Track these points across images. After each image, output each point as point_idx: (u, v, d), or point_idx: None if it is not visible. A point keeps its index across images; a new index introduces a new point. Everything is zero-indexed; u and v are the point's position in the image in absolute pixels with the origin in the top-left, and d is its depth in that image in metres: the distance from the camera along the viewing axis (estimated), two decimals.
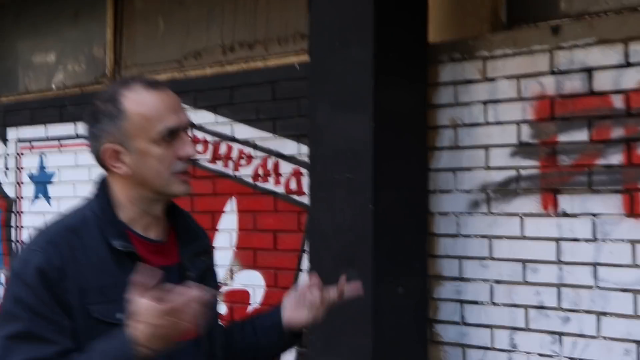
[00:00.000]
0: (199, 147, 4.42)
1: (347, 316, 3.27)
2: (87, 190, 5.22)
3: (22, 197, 5.40)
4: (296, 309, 1.99)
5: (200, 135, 4.42)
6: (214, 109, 4.39)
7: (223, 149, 4.33)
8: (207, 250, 1.96)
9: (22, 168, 5.42)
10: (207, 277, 1.91)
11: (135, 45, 5.20)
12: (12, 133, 5.49)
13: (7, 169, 5.52)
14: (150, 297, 1.59)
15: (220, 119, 4.35)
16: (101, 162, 1.81)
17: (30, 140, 5.36)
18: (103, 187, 1.83)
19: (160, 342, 1.62)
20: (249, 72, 4.33)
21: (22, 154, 5.43)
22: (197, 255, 1.89)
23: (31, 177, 5.35)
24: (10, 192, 5.48)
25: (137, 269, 1.67)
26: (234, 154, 4.28)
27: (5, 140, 5.54)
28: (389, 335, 3.29)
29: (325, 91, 3.38)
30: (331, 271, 3.32)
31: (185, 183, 1.80)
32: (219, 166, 4.34)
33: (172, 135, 1.76)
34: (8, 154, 5.52)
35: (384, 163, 3.27)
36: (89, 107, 1.80)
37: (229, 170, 4.30)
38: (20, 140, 5.44)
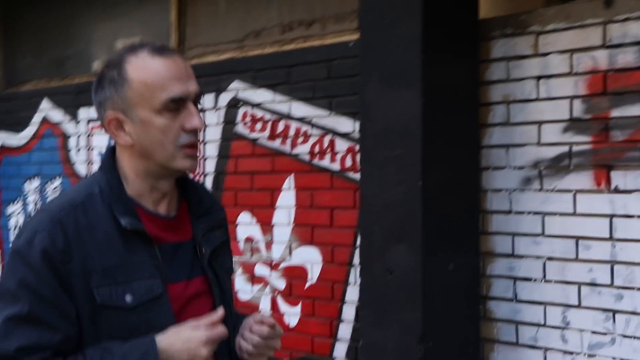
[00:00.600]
0: (258, 126, 4.51)
1: (398, 291, 3.31)
2: None
3: None
4: (245, 338, 1.82)
5: (259, 113, 4.51)
6: (272, 87, 4.46)
7: (281, 127, 4.41)
8: (222, 225, 1.88)
9: (92, 147, 5.63)
10: (222, 252, 1.85)
11: (198, 26, 5.31)
12: (83, 113, 5.70)
13: (78, 148, 5.75)
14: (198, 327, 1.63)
15: (279, 97, 4.42)
16: (106, 131, 1.72)
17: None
18: (111, 159, 1.74)
19: None
20: (306, 50, 4.38)
21: (92, 133, 5.64)
22: (211, 230, 1.82)
23: (100, 155, 5.56)
24: (81, 170, 5.71)
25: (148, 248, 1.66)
26: (291, 132, 4.35)
27: (77, 120, 5.76)
28: (439, 311, 3.32)
29: (374, 68, 3.41)
30: (382, 246, 3.37)
31: (190, 157, 1.70)
32: (277, 144, 4.43)
33: (177, 105, 1.67)
34: (80, 134, 5.74)
35: (433, 140, 3.29)
36: (97, 74, 1.74)
37: (287, 148, 4.37)
38: (90, 120, 5.65)
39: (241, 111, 4.61)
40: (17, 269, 1.63)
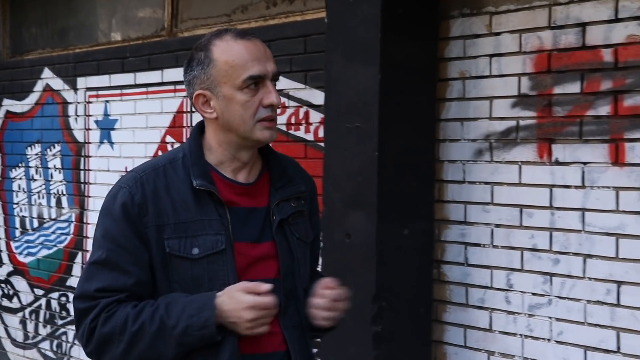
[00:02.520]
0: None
1: (355, 255, 3.60)
2: (145, 136, 5.67)
3: (89, 142, 5.93)
4: (313, 304, 1.98)
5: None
6: None
7: (301, 114, 4.68)
8: (300, 197, 2.03)
9: (89, 115, 5.94)
10: (298, 221, 2.01)
11: (191, 0, 5.57)
12: (82, 82, 6.01)
13: (77, 115, 6.06)
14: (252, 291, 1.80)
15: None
16: (194, 106, 1.95)
17: (96, 89, 5.87)
18: (198, 130, 1.97)
19: (234, 327, 1.81)
20: (286, 25, 4.64)
21: (89, 101, 5.95)
22: (287, 200, 1.98)
23: (97, 123, 5.87)
24: (79, 137, 6.02)
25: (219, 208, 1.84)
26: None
27: (75, 89, 6.07)
28: (394, 273, 3.61)
29: (339, 45, 3.68)
30: (341, 212, 3.66)
31: (269, 129, 1.90)
32: (301, 132, 4.69)
33: (257, 83, 1.88)
34: (78, 102, 6.05)
35: (390, 113, 3.55)
36: (187, 55, 1.95)
37: (310, 136, 4.64)
38: (88, 89, 5.95)
39: None
40: (103, 219, 1.91)
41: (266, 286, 1.83)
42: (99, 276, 1.86)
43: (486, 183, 3.61)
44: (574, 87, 3.29)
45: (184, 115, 5.13)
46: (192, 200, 1.87)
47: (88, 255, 1.98)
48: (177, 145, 5.13)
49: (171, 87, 5.24)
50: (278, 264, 1.95)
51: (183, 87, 5.09)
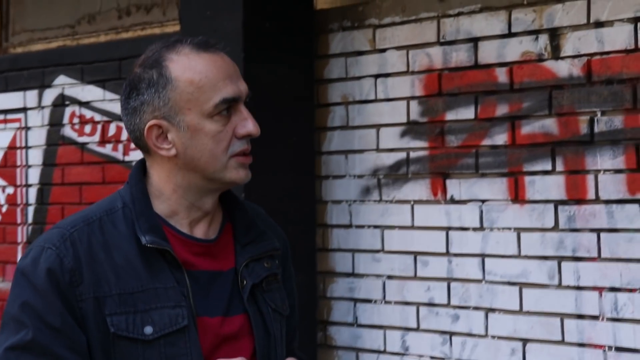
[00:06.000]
0: (87, 128, 5.03)
1: None
2: None
3: None
4: None
5: (88, 113, 5.03)
6: (102, 83, 4.99)
7: (112, 130, 4.94)
8: (273, 255, 1.99)
9: None
10: (272, 288, 1.97)
11: (25, 8, 5.79)
12: None
13: None
14: None
15: (109, 94, 4.95)
16: (141, 141, 1.86)
17: None
18: (139, 173, 1.89)
19: None
20: (142, 39, 4.91)
21: None
22: (257, 260, 1.94)
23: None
24: None
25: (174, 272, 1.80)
26: (124, 136, 4.88)
27: None
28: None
29: None
30: None
31: (244, 167, 1.88)
32: (108, 150, 4.96)
33: (229, 108, 1.84)
34: None
35: (258, 146, 3.85)
36: (127, 77, 1.90)
37: (119, 155, 4.90)
38: None
39: (68, 111, 5.12)
40: (21, 291, 1.79)
41: None
42: None
43: (376, 227, 3.95)
44: (468, 112, 3.66)
45: (18, 151, 5.34)
46: (140, 263, 1.81)
47: None
48: (10, 190, 5.34)
49: (0, 117, 5.44)
50: (253, 343, 1.93)
51: (15, 116, 5.36)
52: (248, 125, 1.87)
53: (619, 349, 3.29)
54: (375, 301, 3.96)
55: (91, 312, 1.77)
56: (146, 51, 1.92)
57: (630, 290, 3.27)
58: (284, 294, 2.02)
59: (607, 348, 3.32)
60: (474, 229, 3.66)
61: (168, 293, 1.82)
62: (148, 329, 1.78)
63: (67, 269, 1.77)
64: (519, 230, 3.54)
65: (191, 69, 1.83)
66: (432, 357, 3.78)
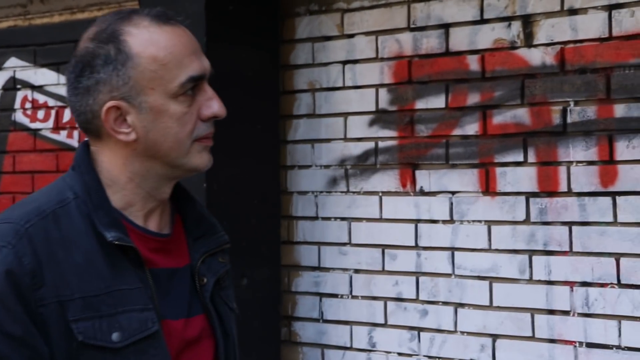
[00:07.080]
0: (41, 114, 5.15)
1: None
2: None
3: None
4: None
5: (41, 98, 5.15)
6: (56, 66, 5.11)
7: (67, 116, 5.06)
8: (225, 250, 1.97)
9: None
10: (226, 284, 1.95)
11: None
12: None
13: None
14: None
15: (64, 79, 5.06)
16: (92, 125, 1.79)
17: None
18: (87, 160, 1.82)
19: None
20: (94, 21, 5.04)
21: None
22: (212, 255, 1.91)
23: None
24: None
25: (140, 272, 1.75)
26: None
27: None
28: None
29: None
30: None
31: (207, 151, 1.84)
32: (62, 137, 5.08)
33: (194, 87, 1.79)
34: None
35: (221, 134, 4.00)
36: (75, 52, 1.80)
37: (74, 142, 5.02)
38: None
39: (20, 95, 5.24)
40: None
41: None
42: None
43: (342, 219, 4.12)
44: (439, 101, 3.83)
45: None
46: (102, 262, 1.75)
47: None
48: None
49: None
50: (213, 346, 1.90)
51: None
52: (214, 105, 1.82)
53: (590, 345, 3.48)
54: (342, 296, 4.12)
55: (53, 319, 1.69)
56: (97, 22, 1.81)
57: (602, 285, 3.46)
58: (232, 291, 2.00)
59: (577, 344, 3.51)
60: (444, 222, 3.83)
61: (134, 294, 1.76)
62: (115, 336, 1.72)
63: (27, 270, 1.68)
64: (489, 223, 3.72)
65: (154, 44, 1.76)
66: (399, 354, 3.96)
